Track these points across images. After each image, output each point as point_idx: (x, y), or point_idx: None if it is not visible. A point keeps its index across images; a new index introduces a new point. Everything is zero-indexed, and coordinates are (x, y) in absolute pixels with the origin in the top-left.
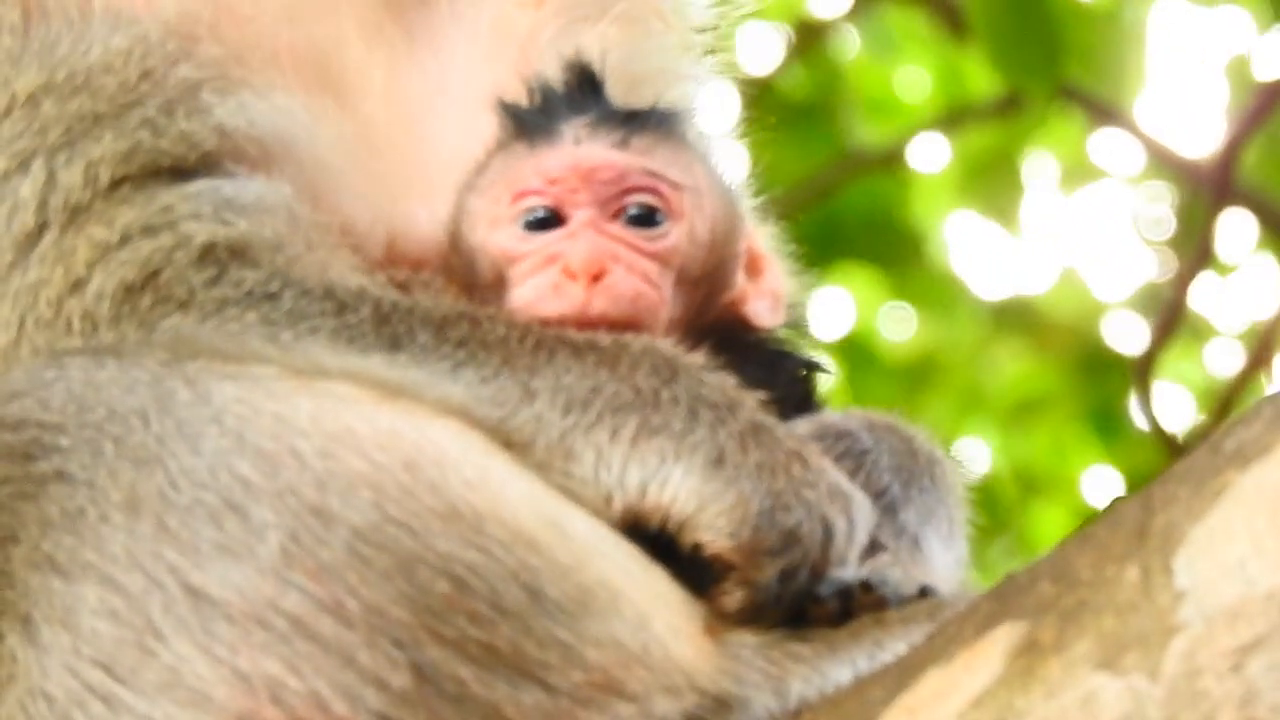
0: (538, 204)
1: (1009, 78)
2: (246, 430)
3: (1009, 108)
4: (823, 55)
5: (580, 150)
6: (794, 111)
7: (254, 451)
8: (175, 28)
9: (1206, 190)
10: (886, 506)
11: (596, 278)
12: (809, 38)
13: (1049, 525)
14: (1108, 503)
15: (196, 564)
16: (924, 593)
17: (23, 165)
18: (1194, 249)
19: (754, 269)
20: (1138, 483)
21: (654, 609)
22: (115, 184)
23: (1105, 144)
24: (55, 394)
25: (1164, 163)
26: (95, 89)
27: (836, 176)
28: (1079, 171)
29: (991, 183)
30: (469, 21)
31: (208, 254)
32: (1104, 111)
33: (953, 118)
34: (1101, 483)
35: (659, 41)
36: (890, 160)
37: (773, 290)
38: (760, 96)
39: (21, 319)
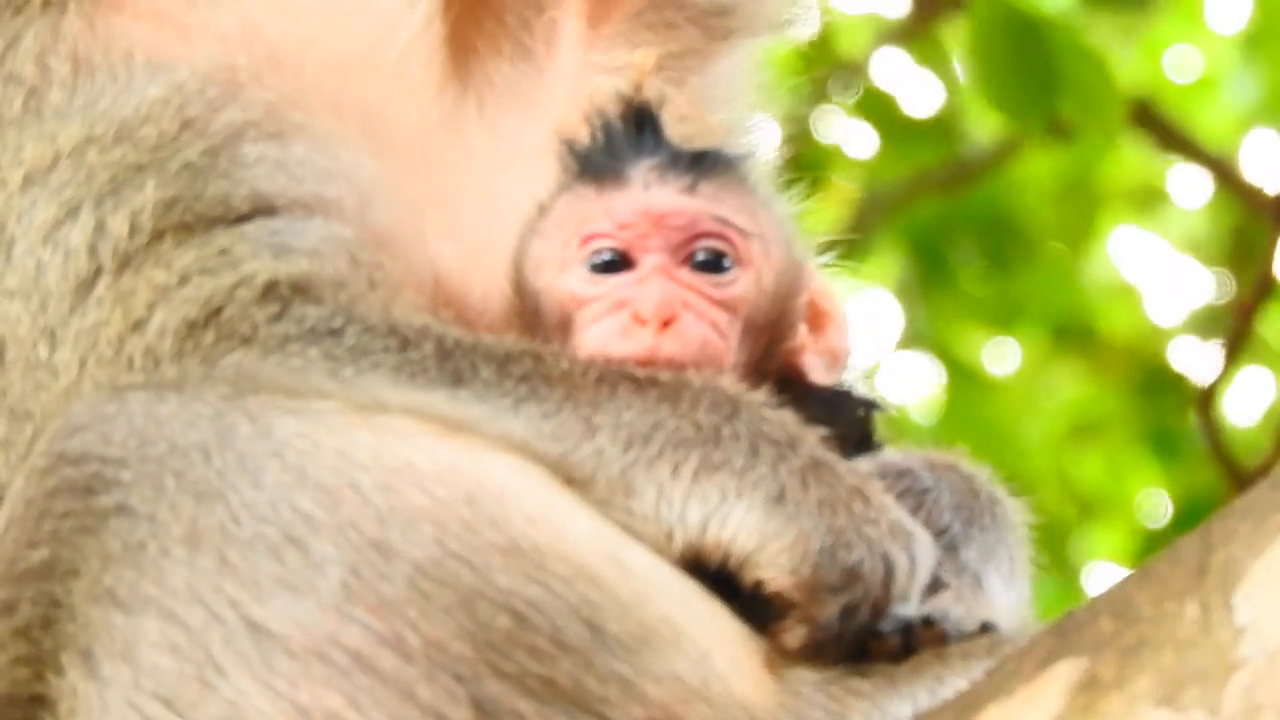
0: (606, 246)
1: (1002, 113)
2: (307, 465)
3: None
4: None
5: (650, 195)
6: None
7: (315, 486)
8: (213, 76)
9: (1266, 216)
10: (947, 545)
11: (666, 323)
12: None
13: (1106, 547)
14: (1164, 529)
15: (257, 598)
16: (985, 628)
17: (72, 213)
18: (1255, 274)
19: (816, 323)
20: (1195, 505)
21: (715, 645)
22: (163, 231)
23: (1172, 168)
24: (117, 428)
25: (1228, 187)
26: (136, 140)
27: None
28: (1142, 193)
29: (1066, 203)
30: (530, 80)
31: (270, 291)
32: (1170, 135)
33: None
34: (1158, 505)
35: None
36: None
37: (832, 348)
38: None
39: (82, 360)
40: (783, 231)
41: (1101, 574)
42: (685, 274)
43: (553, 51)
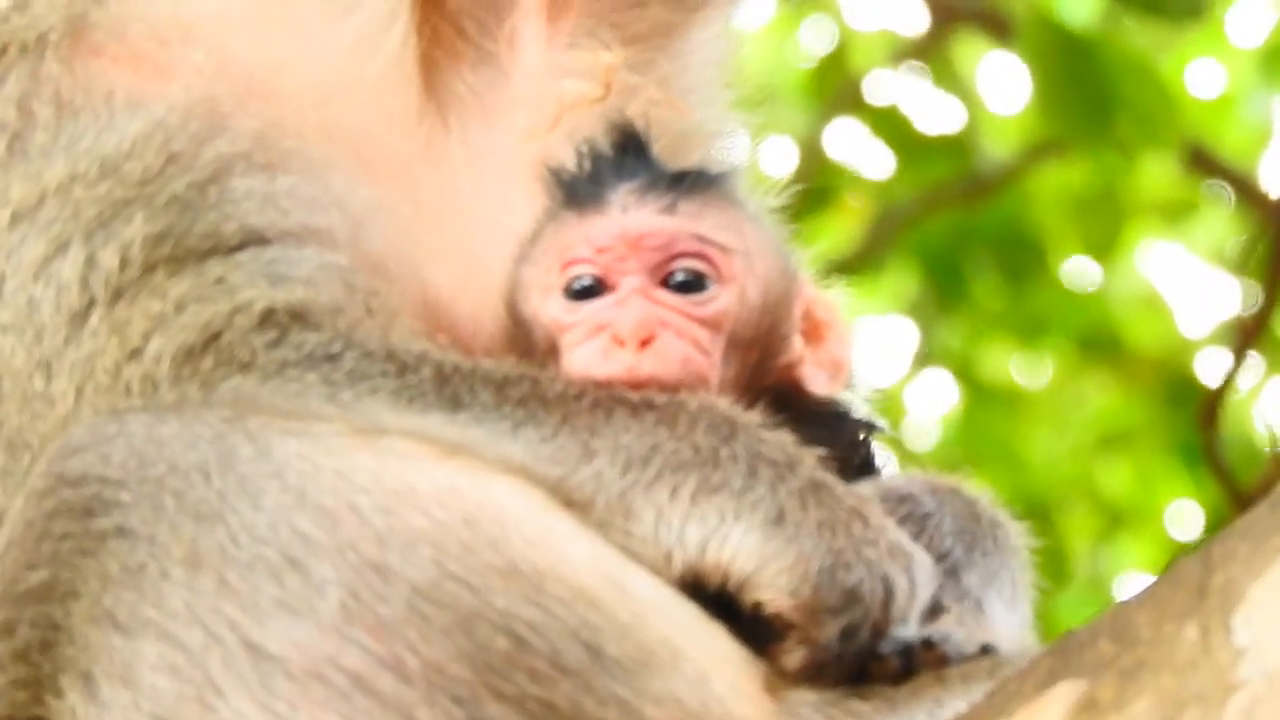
0: (585, 272)
1: (1058, 130)
2: (307, 486)
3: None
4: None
5: (628, 218)
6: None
7: (315, 507)
8: (194, 109)
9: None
10: (949, 570)
11: (645, 343)
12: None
13: (1134, 558)
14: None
15: (257, 620)
16: (985, 651)
17: (61, 248)
18: (1265, 289)
19: (814, 335)
20: (1222, 517)
21: (714, 667)
22: (155, 264)
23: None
24: (116, 449)
25: (1246, 199)
26: (122, 175)
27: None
28: (1170, 205)
29: (1091, 215)
30: (496, 86)
31: (268, 317)
32: (1195, 151)
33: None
34: (1186, 516)
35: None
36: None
37: (833, 359)
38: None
39: (79, 389)
40: (770, 245)
41: (1134, 585)
42: (664, 294)
43: (515, 52)
